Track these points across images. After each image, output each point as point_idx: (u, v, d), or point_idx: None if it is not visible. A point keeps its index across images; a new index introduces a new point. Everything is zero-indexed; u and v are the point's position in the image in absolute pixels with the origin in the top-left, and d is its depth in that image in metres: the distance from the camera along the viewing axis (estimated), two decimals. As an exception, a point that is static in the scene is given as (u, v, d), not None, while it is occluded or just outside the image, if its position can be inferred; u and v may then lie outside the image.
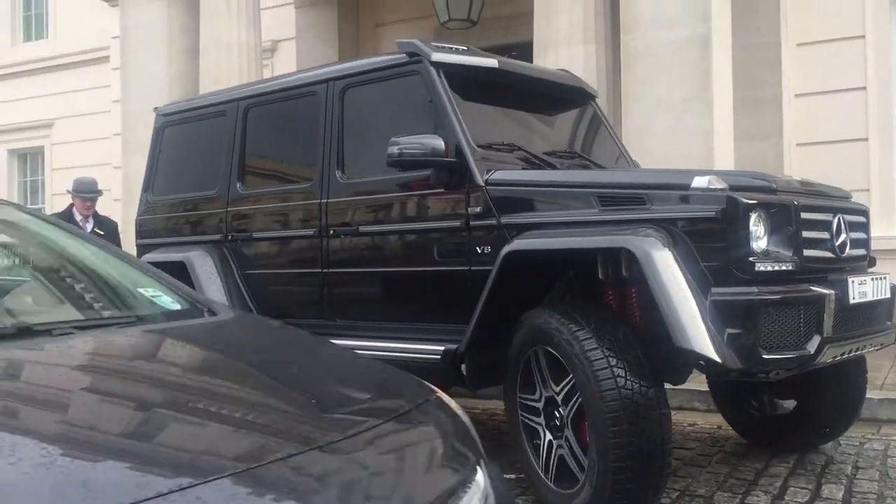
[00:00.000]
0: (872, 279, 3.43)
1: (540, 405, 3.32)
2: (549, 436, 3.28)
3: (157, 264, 4.68)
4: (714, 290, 2.94)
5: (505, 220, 3.51)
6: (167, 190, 5.13)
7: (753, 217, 3.00)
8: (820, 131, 7.51)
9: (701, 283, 2.95)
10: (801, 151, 7.52)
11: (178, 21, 7.85)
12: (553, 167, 3.90)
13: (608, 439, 2.90)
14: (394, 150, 3.59)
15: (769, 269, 3.02)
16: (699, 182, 3.11)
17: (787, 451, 3.99)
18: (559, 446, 3.23)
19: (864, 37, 7.44)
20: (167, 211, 5.10)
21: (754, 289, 2.93)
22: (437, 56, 3.84)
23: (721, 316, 2.89)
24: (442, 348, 3.61)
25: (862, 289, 3.32)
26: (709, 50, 5.43)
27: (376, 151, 4.00)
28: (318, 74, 4.43)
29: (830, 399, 3.89)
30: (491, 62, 4.04)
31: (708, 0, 5.45)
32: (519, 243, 3.35)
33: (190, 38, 7.75)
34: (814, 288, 3.08)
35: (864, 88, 7.43)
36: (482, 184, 3.57)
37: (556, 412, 3.25)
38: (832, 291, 3.10)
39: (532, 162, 3.85)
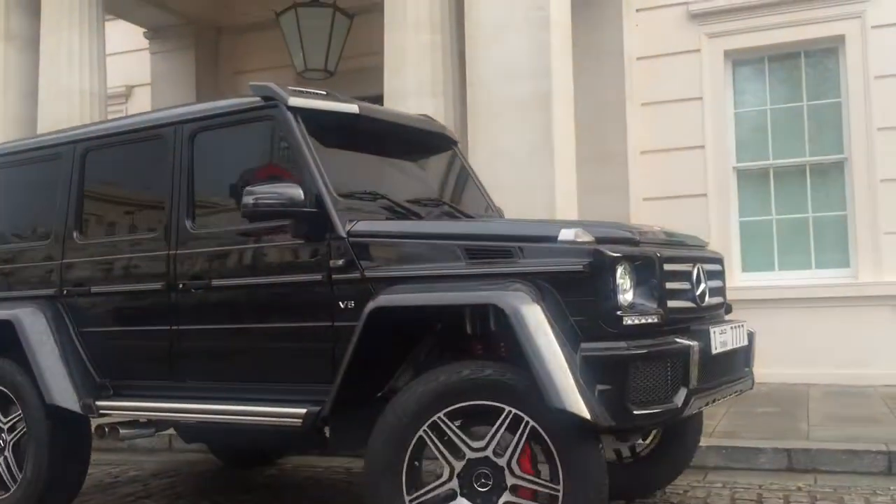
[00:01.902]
0: (732, 328, 3.50)
1: None
2: None
3: None
4: (584, 345, 2.91)
5: (369, 273, 3.37)
6: None
7: (619, 270, 2.99)
8: (663, 186, 7.85)
9: (571, 338, 2.92)
10: (647, 205, 7.83)
11: (15, 64, 7.47)
12: (419, 216, 3.81)
13: None
14: (249, 200, 3.41)
15: (636, 322, 3.00)
16: (566, 234, 3.09)
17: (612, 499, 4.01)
18: None
19: (701, 98, 7.88)
20: None
21: (623, 343, 2.91)
22: (294, 101, 3.69)
23: (591, 372, 2.86)
24: (303, 410, 3.42)
25: (723, 338, 3.38)
26: (549, 106, 5.57)
27: (229, 200, 3.84)
28: (164, 117, 4.19)
29: (666, 447, 3.94)
30: (351, 107, 3.90)
31: (548, 58, 5.60)
32: (384, 298, 3.23)
33: (27, 82, 7.39)
34: (679, 340, 3.09)
35: (703, 147, 7.84)
36: (344, 235, 3.44)
37: None
38: (696, 343, 3.11)
39: (396, 211, 3.75)
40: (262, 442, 4.84)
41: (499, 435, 2.98)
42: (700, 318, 3.41)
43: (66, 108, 6.98)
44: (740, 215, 7.80)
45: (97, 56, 7.25)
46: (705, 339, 3.22)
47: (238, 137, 3.90)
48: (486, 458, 3.00)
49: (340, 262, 3.42)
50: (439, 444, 3.04)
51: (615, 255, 3.00)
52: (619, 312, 2.95)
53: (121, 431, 4.20)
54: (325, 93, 3.91)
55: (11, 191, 4.77)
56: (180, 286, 3.89)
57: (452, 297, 3.18)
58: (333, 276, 3.44)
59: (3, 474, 4.32)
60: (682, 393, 3.01)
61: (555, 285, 3.01)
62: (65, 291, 4.31)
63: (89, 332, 4.24)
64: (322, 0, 7.92)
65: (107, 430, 4.18)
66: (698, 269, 3.44)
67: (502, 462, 2.97)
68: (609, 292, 2.96)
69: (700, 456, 4.45)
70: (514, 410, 2.93)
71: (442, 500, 3.05)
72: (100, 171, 4.40)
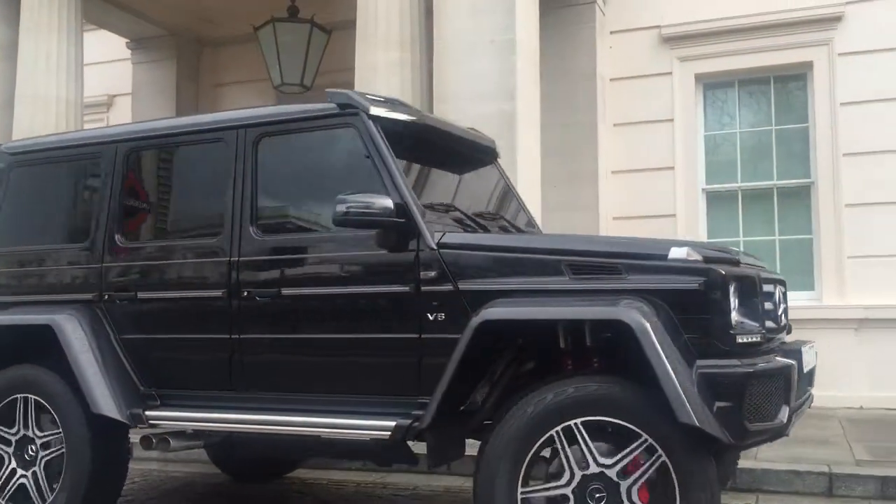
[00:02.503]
0: (810, 347, 3.58)
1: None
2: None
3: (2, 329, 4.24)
4: (699, 362, 2.94)
5: (464, 285, 3.34)
6: (15, 240, 4.51)
7: (731, 289, 3.04)
8: (633, 206, 7.95)
9: (686, 355, 2.95)
10: (617, 224, 7.93)
11: (-7, 73, 7.56)
12: (486, 230, 3.84)
13: None
14: (342, 208, 3.36)
15: (745, 340, 3.06)
16: (677, 253, 3.13)
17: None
18: None
19: (672, 120, 8.00)
20: (14, 265, 4.47)
21: (736, 361, 2.95)
22: (376, 110, 3.65)
23: (709, 389, 2.90)
24: (393, 423, 3.35)
25: (809, 357, 3.47)
26: (514, 127, 5.68)
27: (300, 208, 3.81)
28: (226, 119, 4.05)
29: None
30: (419, 117, 3.91)
31: (514, 80, 5.71)
32: (495, 311, 3.18)
33: (5, 92, 7.46)
34: (780, 359, 3.15)
35: (673, 168, 7.96)
36: (434, 246, 3.41)
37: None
38: (794, 362, 3.17)
39: (465, 224, 3.74)
40: (325, 455, 4.78)
41: (628, 459, 3.00)
42: (779, 338, 3.48)
43: (42, 116, 7.07)
44: (708, 236, 7.89)
45: (75, 63, 7.33)
46: (798, 357, 3.29)
47: (309, 144, 3.83)
48: (605, 475, 3.02)
49: (432, 273, 3.39)
50: (567, 448, 3.06)
51: (728, 274, 3.05)
52: (731, 331, 3.00)
53: (172, 443, 4.00)
54: (396, 101, 3.92)
55: (37, 189, 4.57)
56: (244, 294, 3.78)
57: (575, 312, 3.17)
58: (423, 288, 3.41)
59: (31, 491, 4.08)
60: (786, 411, 3.07)
61: (667, 303, 3.04)
62: (105, 296, 4.13)
63: (132, 340, 4.08)
64: (300, 16, 8.02)
65: (155, 441, 3.98)
66: (779, 289, 3.53)
67: (624, 484, 2.99)
68: (723, 310, 3.01)
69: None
70: (650, 440, 2.95)
71: (549, 501, 3.09)
72: (145, 172, 4.30)
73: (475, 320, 3.18)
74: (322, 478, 5.31)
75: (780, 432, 3.09)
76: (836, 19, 7.49)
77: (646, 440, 2.95)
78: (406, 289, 3.44)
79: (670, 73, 8.03)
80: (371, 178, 3.56)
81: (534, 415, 3.08)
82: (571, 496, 3.04)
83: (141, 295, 4.04)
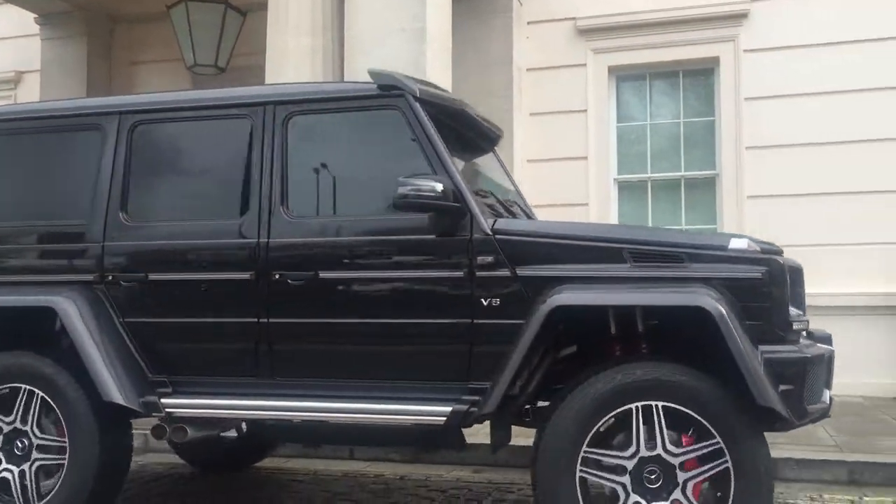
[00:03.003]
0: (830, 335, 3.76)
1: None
2: None
3: None
4: (762, 348, 3.12)
5: (522, 272, 3.36)
6: None
7: (789, 278, 3.24)
8: (548, 194, 8.08)
9: (752, 341, 3.11)
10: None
11: None
12: (514, 215, 3.90)
13: None
14: (405, 190, 3.32)
15: (798, 327, 3.28)
16: (738, 244, 3.30)
17: None
18: None
19: (586, 111, 8.16)
20: None
21: (794, 347, 3.17)
22: (423, 92, 3.61)
23: (773, 373, 3.07)
24: (447, 409, 3.35)
25: (832, 344, 3.65)
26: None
27: (334, 189, 3.73)
28: (254, 96, 3.89)
29: None
30: (458, 101, 3.88)
31: (423, 69, 5.74)
32: (568, 297, 3.22)
33: None
34: (821, 345, 3.39)
35: (586, 158, 8.12)
36: (489, 232, 3.42)
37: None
38: (832, 347, 3.45)
39: (496, 209, 3.75)
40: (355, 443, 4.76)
41: (695, 455, 3.11)
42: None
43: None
44: (619, 225, 8.11)
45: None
46: (831, 343, 3.53)
47: (345, 124, 3.74)
48: (666, 461, 3.13)
49: (489, 259, 3.40)
50: (641, 426, 3.14)
51: (787, 264, 3.26)
52: (789, 318, 3.21)
53: (189, 432, 3.79)
54: (431, 84, 3.86)
55: (17, 160, 4.24)
56: (275, 277, 3.64)
57: (653, 298, 3.24)
58: (477, 274, 3.41)
59: (14, 489, 3.81)
60: (827, 393, 3.31)
61: (729, 291, 3.18)
62: (109, 278, 3.88)
63: (140, 324, 3.86)
64: (214, -5, 7.89)
65: (169, 429, 3.78)
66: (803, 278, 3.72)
67: (682, 476, 3.11)
68: (783, 299, 3.21)
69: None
70: (721, 444, 3.05)
71: (607, 469, 3.18)
72: (154, 147, 4.03)
73: (545, 306, 3.21)
74: (299, 467, 5.24)
75: (825, 413, 3.32)
76: (742, 16, 7.74)
77: (717, 443, 3.07)
78: (459, 274, 3.43)
79: (585, 65, 8.18)
80: (415, 160, 3.51)
81: (619, 386, 3.16)
82: (629, 470, 3.15)
83: (153, 277, 3.83)
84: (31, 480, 3.82)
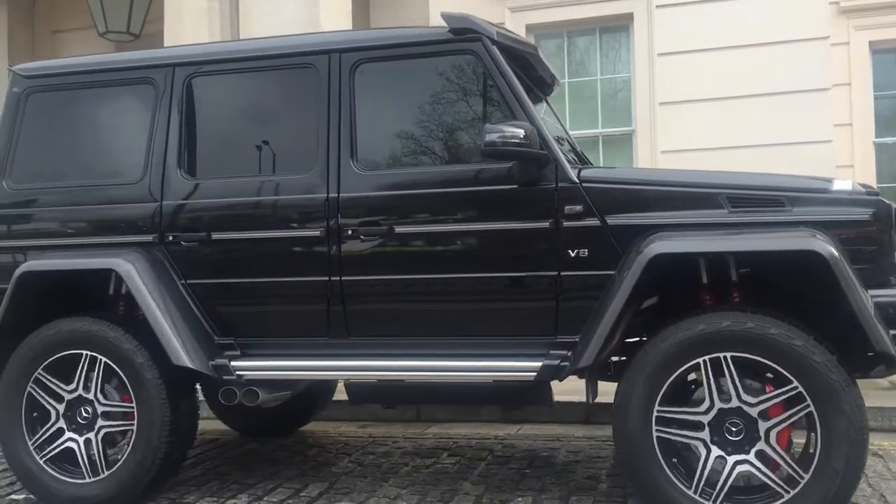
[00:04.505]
0: None
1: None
2: None
3: (50, 274, 3.75)
4: (871, 292, 3.01)
5: (612, 220, 3.27)
6: (40, 176, 4.03)
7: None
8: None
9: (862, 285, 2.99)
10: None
11: None
12: (587, 162, 3.81)
13: None
14: (493, 137, 3.17)
15: None
16: (842, 185, 3.20)
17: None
18: None
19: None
20: (44, 204, 4.01)
21: None
22: (500, 36, 3.47)
23: (885, 317, 2.99)
24: (538, 364, 3.28)
25: None
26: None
27: (407, 139, 3.61)
28: (318, 43, 3.73)
29: None
30: (532, 45, 3.80)
31: (318, 30, 5.77)
32: (668, 245, 3.09)
33: None
34: None
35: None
36: (577, 180, 3.31)
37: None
38: None
39: (570, 157, 3.64)
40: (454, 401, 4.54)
41: (773, 402, 3.02)
42: None
43: None
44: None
45: None
46: None
47: (416, 71, 3.58)
48: (744, 411, 3.05)
49: (577, 208, 3.28)
50: (712, 379, 3.06)
51: (893, 205, 3.16)
52: (895, 261, 3.12)
53: (261, 395, 3.69)
54: (506, 28, 3.73)
55: (62, 118, 4.05)
56: (347, 233, 3.53)
57: (762, 244, 3.08)
58: (564, 224, 3.30)
59: (81, 458, 3.72)
60: None
61: (835, 234, 3.06)
62: (169, 238, 3.76)
63: (204, 285, 3.75)
64: (124, -39, 7.79)
65: (239, 393, 3.68)
66: None
67: (764, 425, 3.04)
68: (890, 241, 3.12)
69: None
70: (800, 388, 2.95)
71: (684, 424, 3.11)
72: (211, 100, 3.89)
73: (644, 255, 3.09)
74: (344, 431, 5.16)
75: None
76: (653, -28, 7.79)
77: (795, 387, 2.96)
78: (545, 224, 3.33)
79: (503, 24, 8.17)
80: (492, 107, 3.39)
81: (683, 340, 3.07)
82: (707, 426, 3.08)
83: (216, 236, 3.71)
84: (97, 449, 3.68)
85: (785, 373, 2.97)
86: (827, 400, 2.94)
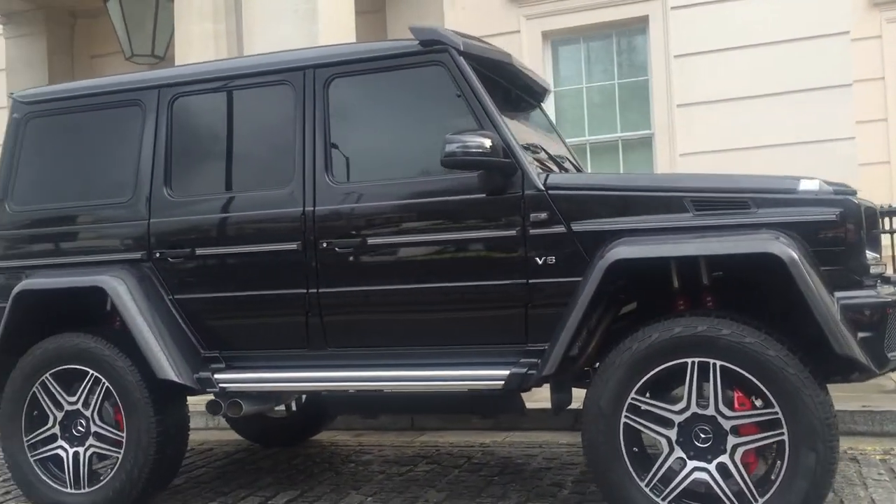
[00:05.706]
0: None
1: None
2: None
3: (44, 293, 3.92)
4: (838, 294, 2.95)
5: (578, 227, 3.26)
6: (38, 198, 4.18)
7: (864, 220, 3.05)
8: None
9: (827, 287, 2.94)
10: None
11: None
12: (565, 170, 3.80)
13: None
14: (453, 147, 3.19)
15: (876, 271, 3.12)
16: (808, 185, 3.12)
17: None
18: None
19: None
20: (42, 225, 4.15)
21: (872, 291, 3.00)
22: (466, 46, 3.49)
23: (851, 320, 2.91)
24: (504, 373, 3.27)
25: None
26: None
27: (379, 152, 3.68)
28: (291, 60, 3.79)
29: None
30: (505, 55, 3.74)
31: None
32: (627, 250, 3.08)
33: None
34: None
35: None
36: (542, 188, 3.31)
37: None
38: None
39: (545, 165, 3.65)
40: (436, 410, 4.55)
41: (748, 421, 2.99)
42: None
43: None
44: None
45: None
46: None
47: (387, 84, 3.61)
48: (717, 421, 3.00)
49: (542, 215, 3.28)
50: (695, 381, 3.03)
51: (863, 204, 3.06)
52: (866, 261, 3.02)
53: (244, 406, 3.76)
54: (475, 38, 3.74)
55: (59, 141, 4.19)
56: (323, 245, 3.58)
57: (716, 247, 3.05)
58: (530, 232, 3.30)
59: (66, 467, 3.86)
60: None
61: (801, 235, 3.01)
62: (156, 255, 3.87)
63: (190, 300, 3.84)
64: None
65: (224, 405, 3.75)
66: None
67: (732, 440, 2.98)
68: (859, 241, 3.02)
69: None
70: (780, 415, 2.90)
71: (655, 418, 3.08)
72: (193, 119, 3.97)
73: (604, 261, 3.09)
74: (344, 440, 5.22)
75: None
76: (667, -26, 7.70)
77: (776, 412, 2.91)
78: (512, 233, 3.33)
79: (518, 32, 8.21)
80: (461, 118, 3.41)
81: (679, 336, 3.02)
82: (677, 425, 3.05)
83: (200, 251, 3.80)
84: (83, 465, 3.84)
85: (769, 395, 2.93)
86: (805, 435, 2.88)
